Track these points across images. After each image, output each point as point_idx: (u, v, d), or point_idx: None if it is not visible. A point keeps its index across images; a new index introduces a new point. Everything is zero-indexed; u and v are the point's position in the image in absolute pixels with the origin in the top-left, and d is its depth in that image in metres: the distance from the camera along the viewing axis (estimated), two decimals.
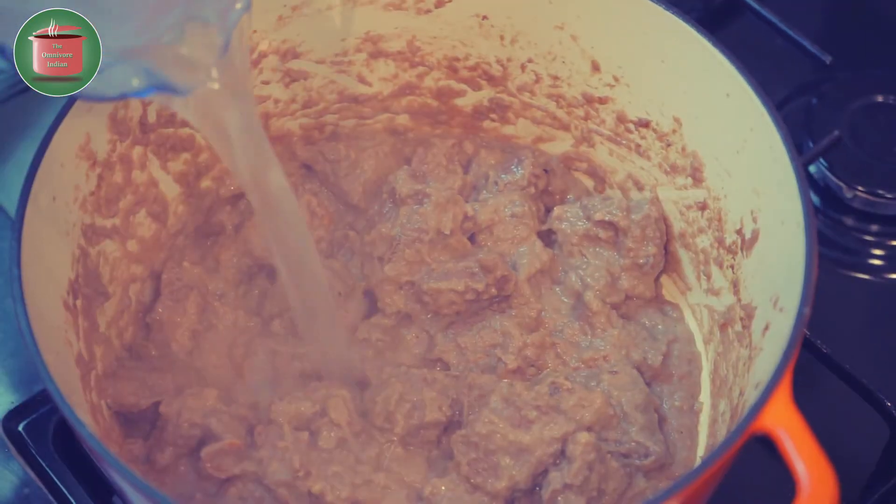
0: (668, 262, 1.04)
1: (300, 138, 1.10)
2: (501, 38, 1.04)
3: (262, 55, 1.03)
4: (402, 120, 1.11)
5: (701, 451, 0.96)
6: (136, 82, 0.77)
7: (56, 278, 0.87)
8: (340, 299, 1.01)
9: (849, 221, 1.18)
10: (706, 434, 0.97)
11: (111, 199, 0.95)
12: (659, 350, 1.00)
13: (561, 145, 1.09)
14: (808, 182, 0.85)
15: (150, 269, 1.01)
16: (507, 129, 1.10)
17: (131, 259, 0.98)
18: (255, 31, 1.01)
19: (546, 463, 0.91)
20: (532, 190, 1.06)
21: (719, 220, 0.97)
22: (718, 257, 0.98)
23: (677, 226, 1.03)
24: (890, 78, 1.24)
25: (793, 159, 0.85)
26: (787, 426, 0.74)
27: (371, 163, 1.07)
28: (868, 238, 1.18)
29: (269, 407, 0.94)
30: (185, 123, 0.99)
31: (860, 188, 1.17)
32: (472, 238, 1.04)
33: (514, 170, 1.07)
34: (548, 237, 1.06)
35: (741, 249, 0.94)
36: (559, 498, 0.89)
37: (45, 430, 1.00)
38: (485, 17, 1.03)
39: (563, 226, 1.04)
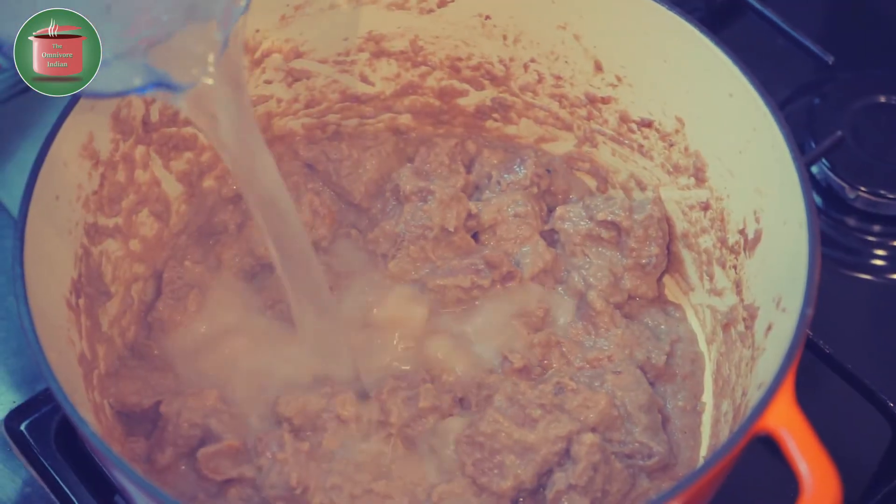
0: (670, 262, 1.04)
1: (303, 138, 1.09)
2: (504, 37, 1.04)
3: (265, 54, 1.03)
4: (405, 119, 1.11)
5: (704, 452, 0.96)
6: (137, 80, 0.77)
7: (59, 277, 0.87)
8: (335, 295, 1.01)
9: (851, 222, 1.18)
10: (709, 434, 0.97)
11: (114, 199, 0.95)
12: (662, 350, 0.99)
13: (564, 145, 1.09)
14: (810, 182, 0.84)
15: (153, 268, 1.01)
16: (510, 129, 1.10)
17: (134, 258, 0.98)
18: (257, 31, 1.01)
19: (551, 462, 0.91)
20: (535, 190, 1.06)
21: (722, 220, 0.97)
22: (721, 257, 0.97)
23: (680, 226, 1.03)
24: (892, 78, 1.24)
25: (795, 159, 0.85)
26: (789, 426, 0.74)
27: (373, 162, 1.07)
28: (870, 238, 1.18)
29: (272, 407, 0.93)
30: (187, 123, 0.99)
31: (862, 188, 1.17)
32: (475, 238, 1.04)
33: (517, 170, 1.07)
34: (550, 237, 1.05)
35: (744, 250, 0.94)
36: (563, 498, 0.89)
37: (47, 429, 1.00)
38: (487, 17, 1.03)
39: (566, 226, 1.04)
